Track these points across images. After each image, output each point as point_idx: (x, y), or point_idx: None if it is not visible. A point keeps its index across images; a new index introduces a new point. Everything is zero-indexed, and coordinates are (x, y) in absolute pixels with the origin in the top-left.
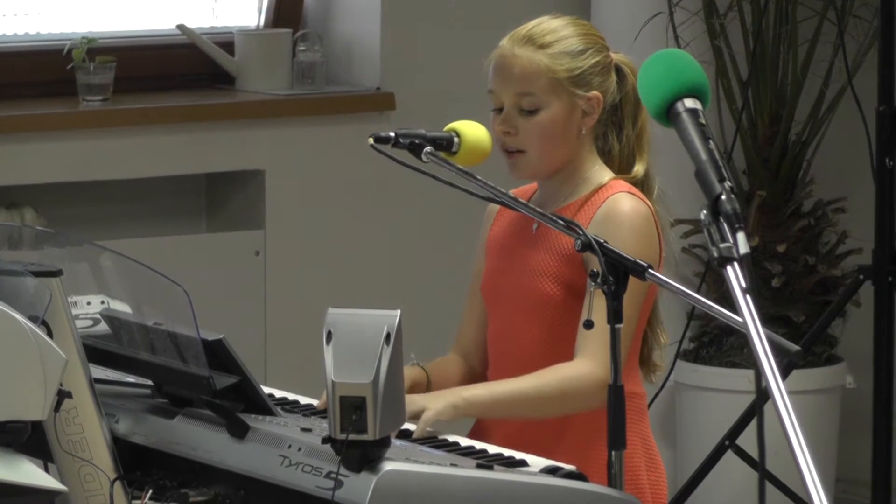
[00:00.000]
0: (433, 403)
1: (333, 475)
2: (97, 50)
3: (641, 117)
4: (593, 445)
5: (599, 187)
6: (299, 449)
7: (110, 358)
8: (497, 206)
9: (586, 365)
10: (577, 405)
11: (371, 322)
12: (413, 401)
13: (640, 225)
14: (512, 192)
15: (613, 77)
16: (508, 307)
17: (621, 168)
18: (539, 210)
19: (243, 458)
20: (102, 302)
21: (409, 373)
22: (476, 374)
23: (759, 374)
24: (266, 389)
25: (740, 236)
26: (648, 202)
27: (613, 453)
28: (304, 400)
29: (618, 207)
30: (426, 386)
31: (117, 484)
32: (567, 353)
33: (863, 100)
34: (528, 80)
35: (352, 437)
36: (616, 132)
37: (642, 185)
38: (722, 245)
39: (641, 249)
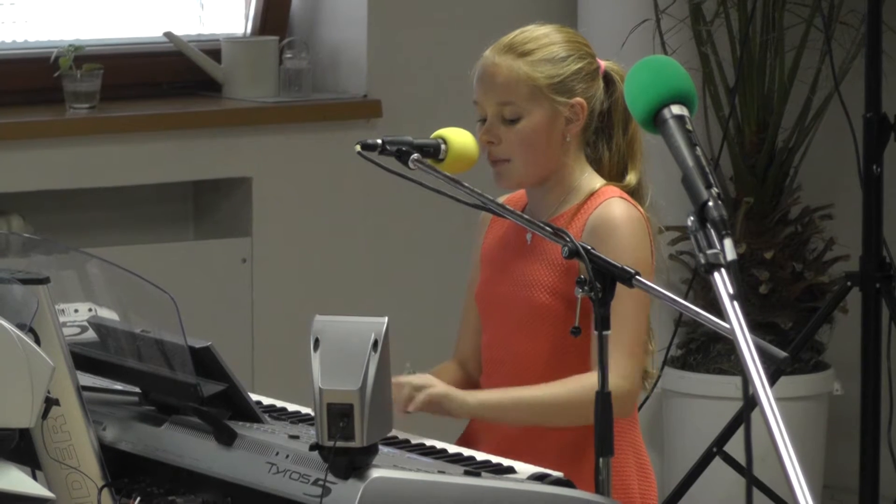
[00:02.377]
0: (445, 388)
1: (321, 482)
2: (84, 57)
3: (632, 125)
4: (582, 452)
5: (591, 194)
6: (287, 456)
7: (98, 365)
8: (490, 215)
9: (612, 377)
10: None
11: (358, 329)
12: (426, 378)
13: (635, 230)
14: (502, 201)
15: (599, 84)
16: (502, 317)
17: (612, 177)
18: (526, 217)
19: (231, 465)
20: (90, 309)
21: None
22: (473, 382)
23: (747, 381)
24: (253, 397)
25: (727, 243)
26: (640, 208)
27: (601, 460)
28: (291, 407)
29: (610, 213)
30: None
31: (105, 491)
32: (560, 363)
33: (850, 106)
34: (508, 88)
35: (339, 444)
36: (606, 140)
37: (634, 193)
38: (709, 252)
39: (637, 255)
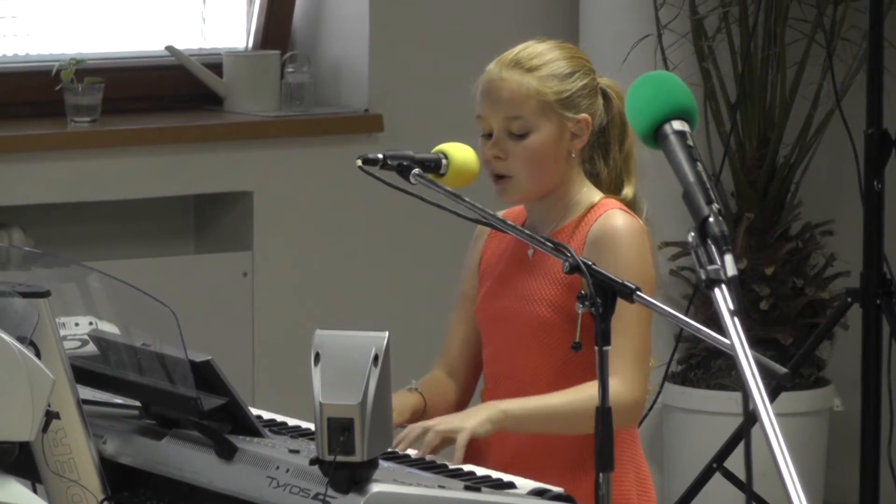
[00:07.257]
0: (467, 423)
1: (321, 497)
2: (86, 71)
3: (628, 141)
4: (583, 468)
5: (591, 207)
6: (287, 470)
7: (98, 379)
8: (487, 228)
9: (620, 385)
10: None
11: (359, 344)
12: (445, 421)
13: (637, 240)
14: (501, 215)
15: (600, 100)
16: (504, 332)
17: (609, 191)
18: (527, 232)
19: (231, 479)
20: (90, 323)
21: (410, 399)
22: (461, 391)
23: (747, 397)
24: (254, 411)
25: (728, 258)
26: (640, 220)
27: (601, 475)
28: (291, 421)
29: (612, 224)
30: (423, 412)
31: None
32: (563, 377)
33: (851, 122)
34: (517, 103)
35: (339, 458)
36: (603, 156)
37: (631, 207)
38: (710, 267)
39: (639, 265)
